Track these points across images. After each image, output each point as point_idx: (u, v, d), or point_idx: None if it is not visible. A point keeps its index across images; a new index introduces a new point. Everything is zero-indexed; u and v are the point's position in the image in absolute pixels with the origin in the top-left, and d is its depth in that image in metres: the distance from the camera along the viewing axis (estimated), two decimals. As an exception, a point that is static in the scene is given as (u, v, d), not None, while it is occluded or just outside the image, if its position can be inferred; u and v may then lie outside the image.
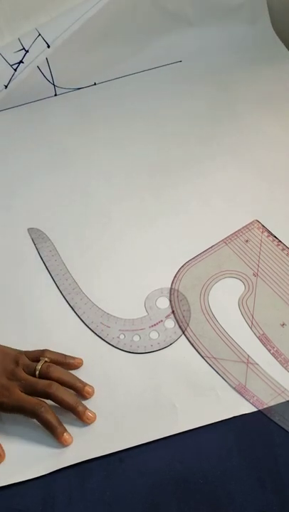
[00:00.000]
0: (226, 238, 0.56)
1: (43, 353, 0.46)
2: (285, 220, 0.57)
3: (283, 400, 0.44)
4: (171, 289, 0.52)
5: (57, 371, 0.44)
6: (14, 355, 0.45)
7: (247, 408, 0.44)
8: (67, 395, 0.43)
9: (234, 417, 0.43)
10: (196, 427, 0.43)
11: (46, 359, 0.45)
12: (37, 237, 0.59)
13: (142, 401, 0.45)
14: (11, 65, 0.73)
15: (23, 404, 0.42)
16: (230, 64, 0.79)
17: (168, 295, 0.52)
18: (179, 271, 0.53)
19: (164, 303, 0.51)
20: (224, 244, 0.55)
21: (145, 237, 0.57)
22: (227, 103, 0.73)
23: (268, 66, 0.78)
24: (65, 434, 0.42)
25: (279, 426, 0.42)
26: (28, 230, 0.60)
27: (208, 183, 0.62)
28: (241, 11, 0.81)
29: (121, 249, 0.57)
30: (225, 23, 0.81)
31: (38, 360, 0.45)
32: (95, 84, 0.78)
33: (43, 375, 0.44)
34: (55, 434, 0.42)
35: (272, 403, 0.44)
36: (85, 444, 0.42)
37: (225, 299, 0.51)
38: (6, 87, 0.74)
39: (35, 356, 0.46)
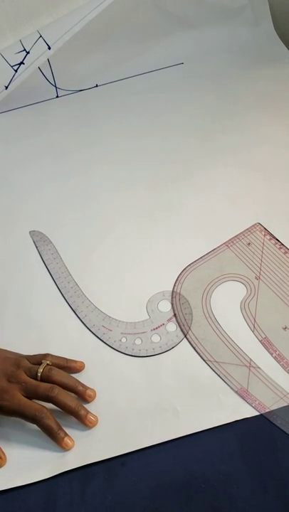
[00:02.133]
0: (228, 241, 0.56)
1: (44, 356, 0.46)
2: (287, 223, 0.57)
3: (285, 404, 0.44)
4: (173, 292, 0.52)
5: (59, 374, 0.44)
6: (15, 358, 0.45)
7: (249, 412, 0.43)
8: (68, 399, 0.43)
9: (236, 420, 0.43)
10: (198, 430, 0.43)
11: (48, 362, 0.45)
12: (39, 239, 0.59)
13: (143, 404, 0.45)
14: (12, 66, 0.73)
15: (23, 409, 0.42)
16: (232, 66, 0.79)
17: (170, 298, 0.52)
18: (180, 274, 0.53)
19: (165, 306, 0.51)
20: (226, 247, 0.55)
21: (147, 240, 0.57)
22: (229, 105, 0.73)
23: (270, 68, 0.78)
24: (65, 438, 0.42)
25: (281, 430, 0.42)
26: (30, 232, 0.60)
27: (211, 184, 0.62)
28: (243, 13, 0.81)
29: (123, 252, 0.57)
30: (227, 25, 0.81)
31: (39, 364, 0.45)
32: (96, 86, 0.79)
33: (45, 379, 0.44)
34: (55, 440, 0.42)
35: (274, 407, 0.43)
36: (86, 448, 0.42)
37: (227, 302, 0.51)
38: (6, 87, 0.74)
39: (37, 360, 0.46)
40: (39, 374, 0.44)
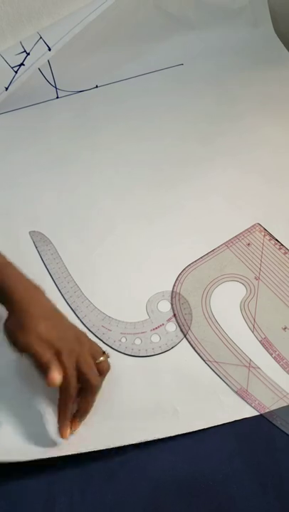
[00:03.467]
0: (227, 241, 0.56)
1: (105, 353, 0.44)
2: (286, 223, 0.57)
3: (285, 404, 0.44)
4: (172, 292, 0.52)
5: (103, 376, 0.43)
6: (87, 342, 0.44)
7: (249, 412, 0.44)
8: (92, 401, 0.42)
9: (236, 420, 0.43)
10: (198, 430, 0.43)
11: (108, 357, 0.44)
12: (39, 240, 0.59)
13: (143, 404, 0.45)
14: (12, 67, 0.73)
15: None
16: (232, 67, 0.79)
17: (169, 298, 0.52)
18: (180, 274, 0.53)
19: (165, 306, 0.51)
20: (226, 247, 0.55)
21: (147, 240, 0.57)
22: (228, 106, 0.73)
23: (270, 68, 0.78)
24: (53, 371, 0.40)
25: (281, 430, 0.42)
26: (30, 233, 0.60)
27: (210, 186, 0.62)
28: (243, 14, 0.81)
29: (122, 252, 0.57)
30: (226, 26, 0.81)
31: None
32: (96, 86, 0.79)
33: (98, 368, 0.43)
34: (44, 371, 0.40)
35: (274, 407, 0.43)
36: (85, 438, 0.42)
37: (227, 303, 0.51)
38: (6, 89, 0.74)
39: (97, 349, 0.44)
40: (97, 360, 0.42)
